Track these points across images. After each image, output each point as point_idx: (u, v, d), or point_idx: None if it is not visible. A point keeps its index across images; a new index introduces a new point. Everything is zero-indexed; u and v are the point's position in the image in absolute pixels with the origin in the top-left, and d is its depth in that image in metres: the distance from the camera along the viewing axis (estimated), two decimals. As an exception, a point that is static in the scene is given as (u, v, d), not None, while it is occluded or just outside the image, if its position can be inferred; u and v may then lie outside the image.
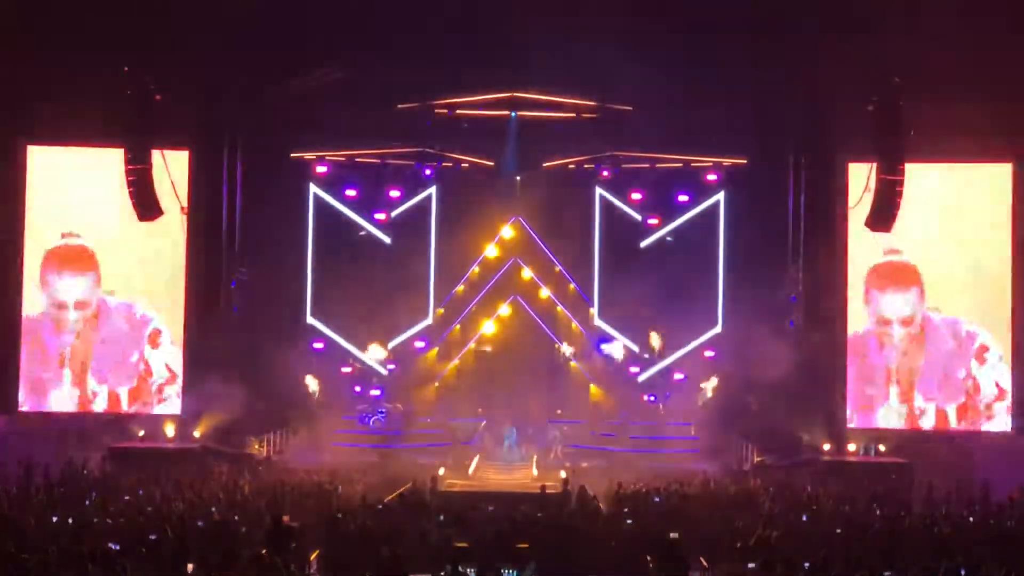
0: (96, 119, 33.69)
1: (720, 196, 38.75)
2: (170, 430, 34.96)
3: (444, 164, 38.99)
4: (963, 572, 17.75)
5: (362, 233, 38.86)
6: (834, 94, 33.57)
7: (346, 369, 38.59)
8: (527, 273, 39.78)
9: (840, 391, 35.46)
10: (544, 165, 38.49)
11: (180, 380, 35.51)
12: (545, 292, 39.78)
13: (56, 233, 35.40)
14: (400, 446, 36.08)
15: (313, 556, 19.36)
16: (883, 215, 33.30)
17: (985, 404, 35.11)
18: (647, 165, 38.55)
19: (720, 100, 34.46)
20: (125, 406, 35.46)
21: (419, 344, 39.32)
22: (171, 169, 34.45)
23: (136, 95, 32.25)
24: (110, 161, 33.73)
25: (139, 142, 33.14)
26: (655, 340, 38.43)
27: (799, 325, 36.24)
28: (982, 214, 35.29)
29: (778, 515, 23.13)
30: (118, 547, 17.97)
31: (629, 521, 21.75)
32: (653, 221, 38.90)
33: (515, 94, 36.69)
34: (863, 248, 35.26)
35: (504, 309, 39.82)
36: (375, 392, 38.52)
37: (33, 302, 35.39)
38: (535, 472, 33.37)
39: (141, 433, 34.71)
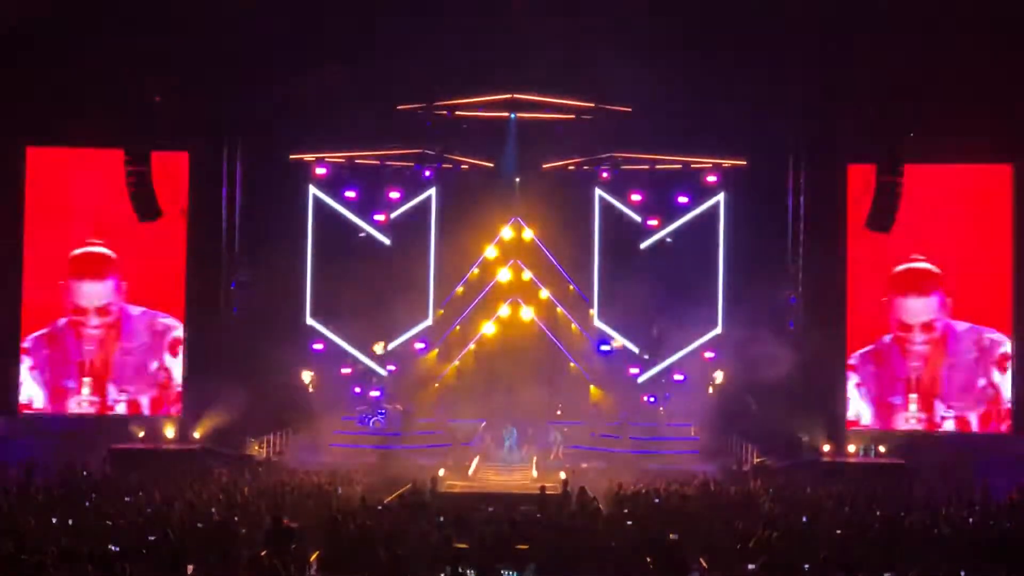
0: (96, 121, 33.71)
1: (720, 197, 38.75)
2: (170, 431, 34.98)
3: (444, 165, 39.02)
4: (963, 573, 17.77)
5: (362, 234, 38.86)
6: (834, 95, 33.59)
7: (346, 370, 38.60)
8: (527, 274, 39.76)
9: (840, 392, 35.45)
10: (544, 166, 38.52)
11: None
12: (545, 293, 39.78)
13: (78, 237, 35.53)
14: (400, 447, 36.06)
15: (313, 557, 19.34)
16: (883, 216, 33.36)
17: (1006, 411, 35.02)
18: (647, 166, 38.55)
19: (720, 101, 34.45)
20: (147, 414, 35.61)
21: (419, 345, 39.31)
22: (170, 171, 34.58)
23: (136, 97, 32.28)
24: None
25: (139, 144, 33.23)
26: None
27: (799, 326, 36.25)
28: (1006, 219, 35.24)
29: (778, 516, 23.12)
30: (118, 548, 17.96)
31: (629, 522, 21.73)
32: (653, 222, 38.91)
33: (515, 95, 36.73)
34: (885, 253, 35.17)
35: (504, 310, 39.80)
36: (375, 393, 38.52)
37: (55, 309, 35.50)
38: (535, 473, 33.36)
39: (141, 434, 34.75)
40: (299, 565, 17.96)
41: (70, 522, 21.01)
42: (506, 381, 38.61)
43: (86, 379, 35.47)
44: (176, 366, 35.80)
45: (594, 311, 39.47)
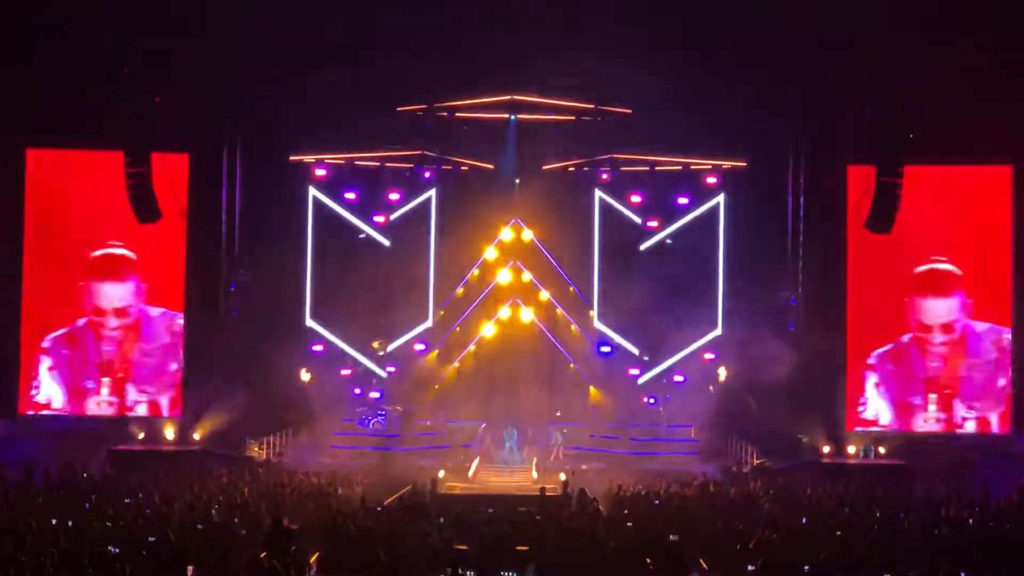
0: (96, 123, 33.72)
1: (720, 198, 38.76)
2: (170, 432, 34.97)
3: (444, 167, 39.02)
4: (963, 574, 17.76)
5: (362, 236, 38.86)
6: (834, 96, 33.60)
7: (345, 371, 38.60)
8: (527, 276, 39.76)
9: (840, 393, 35.43)
10: (544, 167, 38.50)
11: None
12: (545, 294, 39.76)
13: (77, 238, 35.57)
14: (400, 448, 36.04)
15: (313, 558, 19.35)
16: (882, 217, 33.36)
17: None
18: (647, 168, 38.56)
19: (720, 102, 34.46)
20: (166, 415, 35.68)
21: (419, 346, 39.29)
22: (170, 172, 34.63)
23: (136, 99, 32.30)
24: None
25: (138, 145, 33.24)
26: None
27: (799, 327, 36.25)
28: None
29: (778, 517, 23.13)
30: (118, 550, 17.97)
31: (629, 523, 21.73)
32: (653, 223, 38.91)
33: (514, 97, 36.73)
34: (885, 254, 35.14)
35: (504, 311, 39.79)
36: (375, 394, 38.52)
37: (73, 309, 35.55)
38: (535, 474, 33.37)
39: (141, 435, 34.74)
40: (299, 566, 17.95)
41: (70, 523, 21.00)
42: (506, 382, 38.59)
43: (105, 380, 35.52)
44: (195, 367, 35.94)
45: (594, 312, 39.46)
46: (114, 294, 35.64)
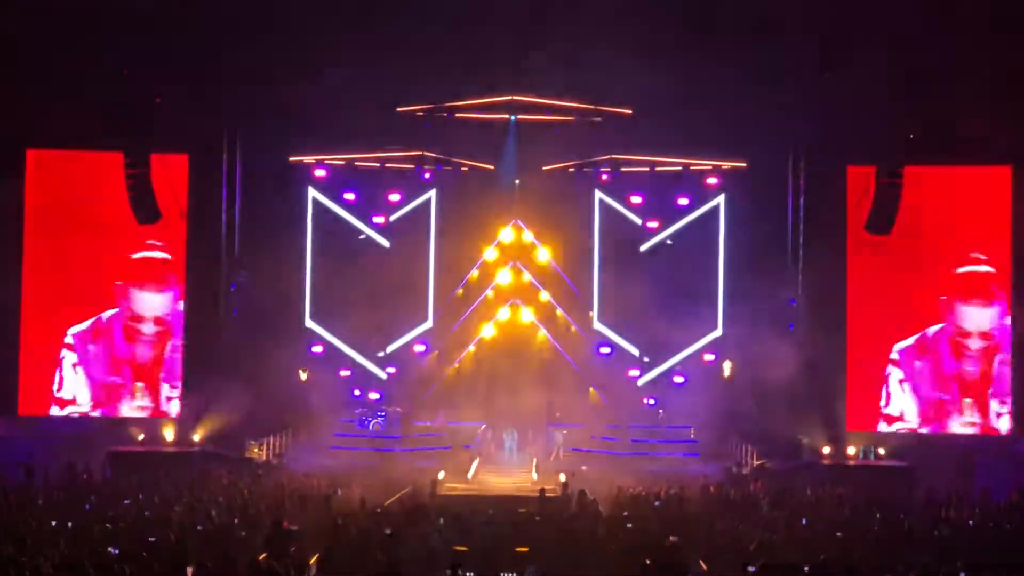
0: (96, 124, 33.72)
1: (720, 199, 38.76)
2: (169, 434, 34.95)
3: (444, 167, 39.02)
4: (963, 575, 17.76)
5: (362, 237, 38.86)
6: (834, 97, 33.58)
7: (345, 372, 38.60)
8: (527, 276, 39.75)
9: (840, 394, 35.40)
10: (544, 168, 38.49)
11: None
12: (545, 295, 39.75)
13: (79, 239, 35.50)
14: (400, 450, 36.03)
15: (313, 560, 19.35)
16: (882, 218, 33.37)
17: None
18: (647, 168, 38.56)
19: (720, 103, 34.46)
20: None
21: (419, 347, 39.30)
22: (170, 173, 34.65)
23: (136, 100, 32.30)
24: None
25: (138, 146, 33.24)
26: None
27: (799, 328, 36.23)
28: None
29: (778, 518, 23.13)
30: (118, 551, 17.97)
31: (629, 524, 21.73)
32: (653, 224, 38.92)
33: (514, 97, 36.73)
34: (885, 255, 35.11)
35: (504, 312, 39.78)
36: (374, 395, 38.51)
37: (77, 310, 35.55)
38: (535, 475, 33.33)
39: (141, 437, 34.71)
40: (299, 568, 17.95)
41: (70, 524, 21.00)
42: (506, 383, 38.58)
43: (139, 384, 35.54)
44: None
45: (594, 313, 39.46)
46: (156, 303, 35.69)
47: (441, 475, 30.90)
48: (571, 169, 39.00)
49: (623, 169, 38.73)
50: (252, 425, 34.90)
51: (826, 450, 34.14)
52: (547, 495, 25.66)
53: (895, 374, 35.46)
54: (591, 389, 39.30)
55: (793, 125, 35.52)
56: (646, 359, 38.89)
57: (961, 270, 35.17)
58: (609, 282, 38.86)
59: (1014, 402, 34.89)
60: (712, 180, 38.63)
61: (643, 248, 38.92)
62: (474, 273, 39.68)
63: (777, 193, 37.01)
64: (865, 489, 28.41)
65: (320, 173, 38.61)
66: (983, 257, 35.06)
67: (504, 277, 39.55)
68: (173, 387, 35.66)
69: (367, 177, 38.90)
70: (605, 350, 39.19)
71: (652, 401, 38.48)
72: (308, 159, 38.32)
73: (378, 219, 38.93)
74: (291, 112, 35.06)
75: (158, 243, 35.54)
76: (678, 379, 38.61)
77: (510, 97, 36.70)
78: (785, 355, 34.25)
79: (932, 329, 35.36)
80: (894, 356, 35.44)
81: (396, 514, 22.83)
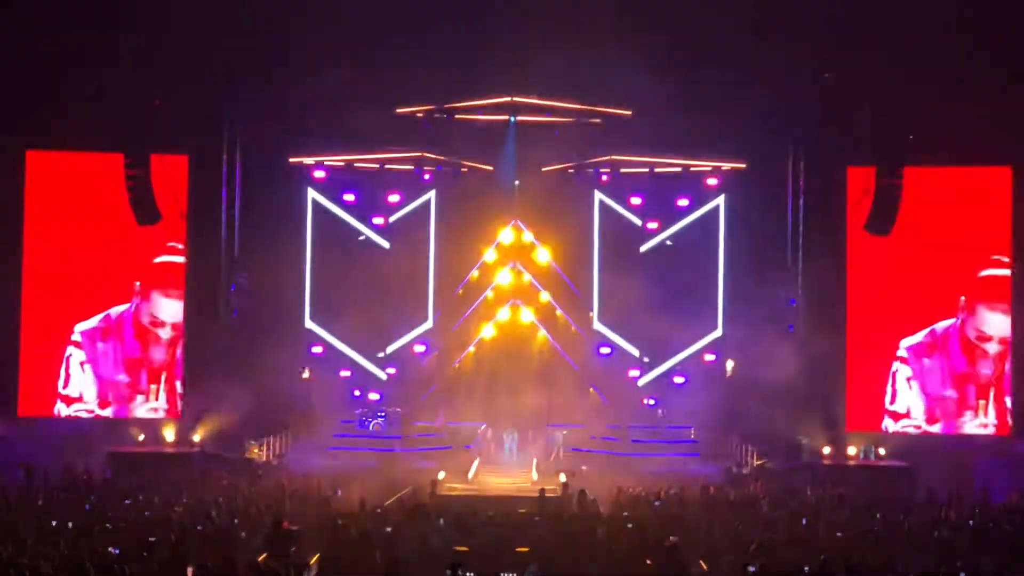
0: (95, 125, 33.73)
1: (720, 200, 38.77)
2: (169, 434, 34.96)
3: (443, 168, 39.02)
4: (963, 575, 17.77)
5: (361, 238, 38.86)
6: (834, 98, 33.60)
7: (345, 373, 38.60)
8: (526, 277, 39.74)
9: (840, 394, 35.40)
10: (543, 169, 38.48)
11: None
12: (545, 296, 39.75)
13: (78, 240, 35.53)
14: (400, 450, 36.03)
15: (313, 560, 19.36)
16: (882, 219, 33.37)
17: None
18: (646, 169, 38.56)
19: (719, 104, 34.47)
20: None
21: (419, 348, 39.30)
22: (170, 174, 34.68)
23: (135, 101, 32.31)
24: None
25: (138, 147, 33.23)
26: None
27: (799, 328, 36.24)
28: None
29: (778, 518, 23.13)
30: (118, 552, 17.97)
31: (629, 525, 21.73)
32: (653, 225, 38.92)
33: (514, 98, 36.72)
34: (884, 255, 35.10)
35: (504, 313, 39.78)
36: (374, 396, 38.52)
37: (77, 310, 35.60)
38: (535, 476, 33.33)
39: (141, 437, 34.71)
40: (299, 568, 17.96)
41: (70, 525, 21.00)
42: (506, 384, 38.58)
43: (153, 386, 35.59)
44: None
45: (594, 313, 39.46)
46: (176, 308, 35.75)
47: (441, 475, 30.90)
48: (571, 170, 39.01)
49: (623, 170, 38.74)
50: (252, 426, 34.90)
51: (826, 450, 34.14)
52: (547, 495, 25.67)
53: (903, 371, 35.43)
54: (591, 389, 39.29)
55: (793, 125, 35.56)
56: (646, 359, 38.88)
57: (984, 273, 35.14)
58: (609, 282, 38.85)
59: (1014, 402, 34.92)
60: (712, 181, 38.65)
61: (643, 249, 38.92)
62: (474, 274, 39.68)
63: (777, 193, 37.02)
64: (865, 489, 28.41)
65: (320, 174, 38.62)
66: (1005, 260, 35.02)
67: (504, 278, 39.54)
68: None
69: (367, 178, 38.91)
70: (605, 350, 39.19)
71: (652, 401, 38.48)
72: (308, 160, 38.33)
73: (378, 220, 38.95)
74: (291, 112, 35.12)
75: (179, 246, 35.64)
76: (678, 379, 38.61)
77: (510, 98, 36.69)
78: (785, 355, 34.28)
79: (940, 326, 35.33)
80: (902, 353, 35.41)
81: (396, 514, 22.84)
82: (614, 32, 31.28)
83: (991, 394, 35.06)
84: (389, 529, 20.61)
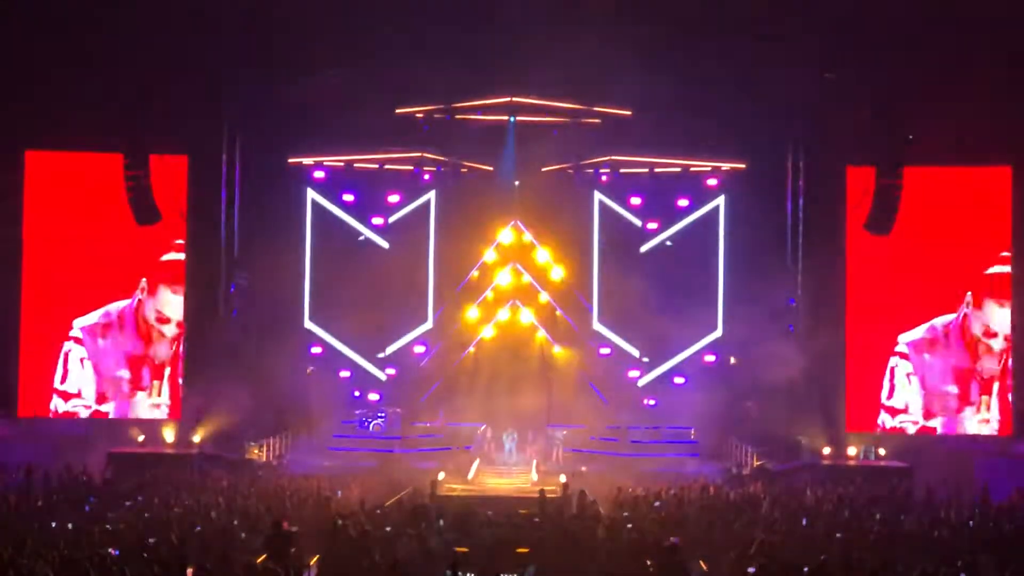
0: (95, 125, 33.73)
1: (720, 200, 38.76)
2: (169, 435, 34.95)
3: (443, 169, 39.02)
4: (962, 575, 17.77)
5: (361, 238, 38.85)
6: (833, 98, 33.59)
7: (345, 373, 38.60)
8: (526, 277, 39.73)
9: (840, 394, 35.41)
10: (543, 169, 38.48)
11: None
12: (544, 296, 39.73)
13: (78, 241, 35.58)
14: (399, 450, 36.02)
15: (312, 561, 19.35)
16: (882, 219, 33.37)
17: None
18: (646, 170, 38.55)
19: (719, 104, 34.47)
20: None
21: (419, 348, 39.30)
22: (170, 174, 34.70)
23: (135, 101, 32.31)
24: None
25: (137, 147, 33.23)
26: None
27: (799, 328, 36.23)
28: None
29: (778, 519, 23.12)
30: (117, 552, 17.96)
31: (629, 525, 21.72)
32: (652, 225, 38.91)
33: (514, 99, 36.74)
34: (884, 255, 35.09)
35: (503, 313, 39.76)
36: (374, 396, 38.51)
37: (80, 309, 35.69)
38: (535, 476, 33.33)
39: (141, 438, 34.70)
40: (298, 569, 17.95)
41: (70, 526, 20.99)
42: (506, 384, 38.56)
43: (156, 382, 35.65)
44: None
45: (594, 314, 39.45)
46: (178, 303, 35.84)
47: (441, 476, 30.88)
48: (570, 170, 39.00)
49: (622, 170, 38.74)
50: (252, 426, 34.91)
51: (826, 450, 34.13)
52: (547, 496, 25.64)
53: (902, 367, 35.43)
54: (591, 390, 39.25)
55: (793, 125, 35.57)
56: (645, 360, 38.86)
57: (991, 270, 35.14)
58: (609, 283, 38.84)
59: (1016, 401, 34.93)
60: (712, 181, 38.65)
61: (643, 249, 38.91)
62: (474, 274, 39.66)
63: (777, 193, 37.04)
64: (865, 490, 28.40)
65: (320, 174, 38.62)
66: (1010, 255, 35.07)
67: (504, 278, 39.53)
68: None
69: (366, 178, 38.90)
70: (605, 351, 39.17)
71: (652, 402, 38.48)
72: (307, 160, 38.32)
73: (377, 220, 38.94)
74: (291, 113, 35.11)
75: (183, 241, 35.77)
76: (678, 380, 38.59)
77: (509, 98, 36.72)
78: (785, 355, 34.26)
79: (940, 322, 35.32)
80: (901, 349, 35.42)
81: (396, 515, 22.84)
82: (614, 32, 31.27)
83: (994, 389, 35.09)
84: (389, 529, 20.60)
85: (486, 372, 39.59)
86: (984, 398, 35.14)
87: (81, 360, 35.50)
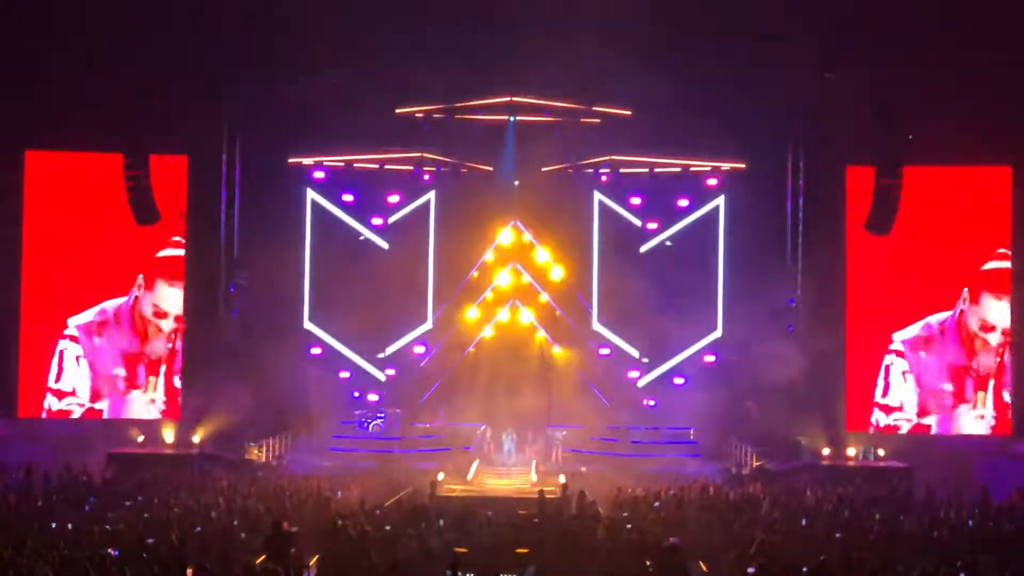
0: (95, 125, 33.73)
1: (720, 200, 38.76)
2: (169, 435, 34.94)
3: (443, 169, 39.01)
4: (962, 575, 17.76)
5: (361, 238, 38.85)
6: (833, 98, 33.59)
7: (344, 374, 38.60)
8: (526, 277, 39.73)
9: (840, 395, 35.41)
10: (543, 169, 38.47)
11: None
12: (544, 296, 39.72)
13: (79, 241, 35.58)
14: (399, 451, 36.01)
15: (312, 561, 19.34)
16: (882, 219, 33.36)
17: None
18: (646, 170, 38.55)
19: (719, 104, 34.47)
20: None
21: (418, 349, 39.29)
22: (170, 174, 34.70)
23: (135, 101, 32.31)
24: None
25: (137, 147, 33.23)
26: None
27: (799, 328, 36.22)
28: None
29: (777, 519, 23.11)
30: (117, 553, 17.96)
31: (628, 526, 21.72)
32: (652, 225, 38.91)
33: (514, 99, 36.73)
34: (884, 255, 35.10)
35: (503, 313, 39.75)
36: (374, 397, 38.51)
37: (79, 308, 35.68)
38: (534, 477, 33.32)
39: (140, 438, 34.69)
40: (298, 569, 17.95)
41: (69, 526, 20.99)
42: (505, 384, 38.54)
43: (152, 378, 35.69)
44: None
45: (594, 314, 39.44)
46: (180, 300, 35.89)
47: (441, 476, 30.87)
48: (570, 170, 38.99)
49: (622, 170, 38.73)
50: (252, 427, 34.90)
51: (826, 451, 34.12)
52: (547, 496, 25.63)
53: (897, 364, 35.43)
54: (590, 390, 39.24)
55: (793, 125, 35.57)
56: (645, 360, 38.86)
57: (987, 266, 35.16)
58: (609, 283, 38.83)
59: (1014, 400, 34.92)
60: (712, 181, 38.64)
61: (643, 249, 38.90)
62: (474, 274, 39.64)
63: (777, 193, 37.03)
64: (865, 490, 28.39)
65: (319, 174, 38.62)
66: (1007, 251, 35.07)
67: (503, 278, 39.52)
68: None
69: (366, 178, 38.89)
70: (605, 351, 39.16)
71: (652, 402, 38.47)
72: (307, 160, 38.32)
73: (377, 220, 38.94)
74: (291, 113, 35.12)
75: (182, 240, 35.75)
76: (678, 380, 38.58)
77: (509, 98, 36.72)
78: (785, 355, 34.25)
79: (935, 319, 35.31)
80: (896, 346, 35.42)
81: (396, 515, 22.83)
82: (614, 32, 31.27)
83: (990, 386, 35.10)
84: (389, 530, 20.60)
85: (486, 372, 39.54)
86: (980, 394, 35.17)
87: (76, 358, 35.52)
